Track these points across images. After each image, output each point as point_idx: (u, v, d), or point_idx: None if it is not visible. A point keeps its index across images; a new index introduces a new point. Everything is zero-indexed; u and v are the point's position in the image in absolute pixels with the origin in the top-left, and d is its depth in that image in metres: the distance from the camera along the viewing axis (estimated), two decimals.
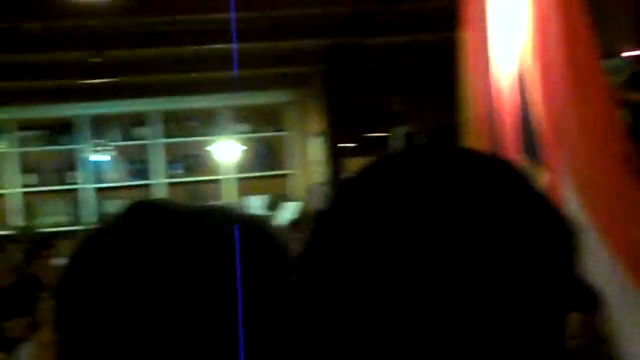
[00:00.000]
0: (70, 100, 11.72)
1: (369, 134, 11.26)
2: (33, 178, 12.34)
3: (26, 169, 12.39)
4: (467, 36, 6.55)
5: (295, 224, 9.06)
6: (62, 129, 12.47)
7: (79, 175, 12.40)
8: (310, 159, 12.20)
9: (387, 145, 10.62)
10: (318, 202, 10.82)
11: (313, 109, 11.84)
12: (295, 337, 0.91)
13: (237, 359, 0.94)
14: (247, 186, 12.51)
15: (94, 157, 12.10)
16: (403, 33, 10.13)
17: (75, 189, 12.37)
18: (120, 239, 1.01)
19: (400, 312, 0.83)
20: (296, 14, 9.39)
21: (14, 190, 12.19)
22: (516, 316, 0.84)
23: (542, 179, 5.59)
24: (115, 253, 0.99)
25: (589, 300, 5.08)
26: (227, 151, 12.06)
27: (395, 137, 10.83)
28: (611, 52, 6.42)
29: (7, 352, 5.66)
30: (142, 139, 12.61)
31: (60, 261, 6.67)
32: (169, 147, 12.74)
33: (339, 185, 0.95)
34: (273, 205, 11.96)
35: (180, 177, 12.60)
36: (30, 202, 12.39)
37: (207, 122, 12.79)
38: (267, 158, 12.90)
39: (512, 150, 5.89)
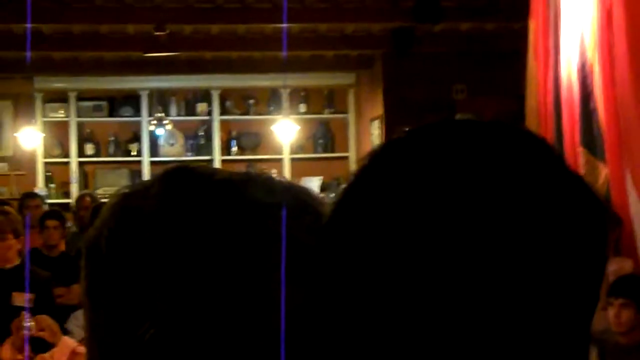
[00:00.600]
0: (132, 72, 11.80)
1: (428, 121, 11.19)
2: (91, 148, 12.46)
3: (85, 139, 12.51)
4: (532, 26, 6.49)
5: None
6: (122, 101, 12.57)
7: (138, 147, 12.50)
8: (368, 143, 12.17)
9: None
10: None
11: (374, 92, 11.80)
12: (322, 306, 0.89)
13: (277, 336, 0.92)
14: (303, 167, 12.50)
15: (152, 131, 12.17)
16: (469, 20, 10.06)
17: (134, 161, 12.47)
18: (155, 206, 0.98)
19: (429, 284, 0.81)
20: None
21: (73, 159, 12.31)
22: (545, 296, 0.82)
23: (602, 172, 5.53)
24: (149, 220, 0.97)
25: None
26: (285, 131, 12.06)
27: None
28: None
29: (60, 319, 5.73)
30: (202, 114, 12.67)
31: None
32: (227, 125, 12.78)
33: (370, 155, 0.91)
34: (327, 187, 11.95)
35: (237, 155, 12.64)
36: (88, 172, 12.54)
37: (267, 101, 12.82)
38: (325, 140, 12.89)
39: (571, 142, 5.83)
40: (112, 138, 12.58)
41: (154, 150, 12.49)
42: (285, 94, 12.40)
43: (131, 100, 12.54)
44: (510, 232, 0.81)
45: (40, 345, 4.98)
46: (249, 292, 0.94)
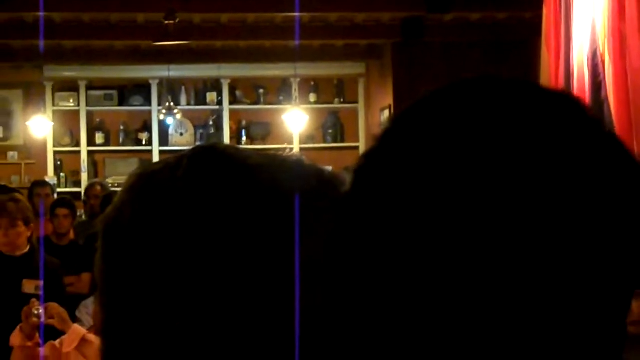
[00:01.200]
0: (142, 61, 11.79)
1: None
2: (101, 137, 12.47)
3: (95, 128, 12.52)
4: (545, 13, 6.46)
5: None
6: (132, 90, 12.57)
7: (148, 137, 12.50)
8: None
9: None
10: None
11: (384, 82, 11.78)
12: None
13: (292, 328, 0.91)
14: (313, 157, 12.38)
15: (162, 120, 12.18)
16: (478, 10, 10.03)
17: (144, 151, 12.47)
18: (182, 189, 0.96)
19: (457, 262, 0.75)
20: None
21: (83, 148, 12.32)
22: (582, 268, 0.76)
23: None
24: (173, 202, 0.95)
25: None
26: (295, 121, 12.05)
27: None
28: None
29: (70, 307, 5.74)
30: (212, 104, 12.66)
31: None
32: (237, 114, 12.77)
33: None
34: None
35: (247, 144, 12.63)
36: (98, 161, 12.55)
37: (277, 91, 12.80)
38: (335, 130, 12.88)
39: None
40: (122, 127, 12.58)
41: (164, 139, 12.49)
42: (295, 84, 12.38)
43: (141, 89, 12.54)
44: (544, 196, 0.75)
45: (50, 332, 5.00)
46: (271, 286, 0.93)
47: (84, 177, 12.05)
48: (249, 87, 12.78)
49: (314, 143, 12.68)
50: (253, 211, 0.94)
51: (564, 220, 0.75)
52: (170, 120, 12.13)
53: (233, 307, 0.92)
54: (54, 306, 5.07)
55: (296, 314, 0.90)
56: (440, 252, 0.76)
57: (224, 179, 0.96)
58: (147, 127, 12.54)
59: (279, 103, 12.66)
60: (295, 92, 12.32)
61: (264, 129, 12.82)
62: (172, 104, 11.54)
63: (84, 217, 9.45)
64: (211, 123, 12.70)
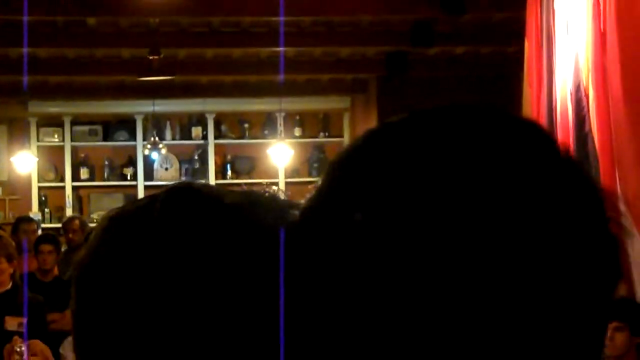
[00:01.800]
0: (126, 96, 11.80)
1: None
2: (86, 173, 12.45)
3: (80, 163, 12.50)
4: (525, 50, 6.49)
5: None
6: (117, 125, 12.57)
7: (133, 171, 12.49)
8: None
9: None
10: None
11: (369, 116, 11.81)
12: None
13: None
14: (298, 191, 12.48)
15: (147, 155, 12.16)
16: (463, 44, 10.08)
17: (129, 186, 12.45)
18: (156, 226, 0.93)
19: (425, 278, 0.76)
20: (356, 21, 9.38)
21: (68, 184, 12.29)
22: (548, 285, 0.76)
23: None
24: (148, 245, 0.93)
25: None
26: (280, 155, 12.06)
27: None
28: None
29: (52, 345, 5.70)
30: (197, 138, 12.66)
31: None
32: (222, 148, 12.78)
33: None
34: None
35: (232, 179, 12.63)
36: (83, 196, 12.52)
37: (262, 125, 12.82)
38: (320, 164, 12.88)
39: None
40: (107, 162, 12.57)
41: (149, 174, 12.48)
42: (280, 118, 12.39)
43: (126, 124, 12.54)
44: (503, 217, 0.76)
45: None
46: (253, 329, 0.91)
47: (69, 212, 12.01)
48: (234, 122, 12.80)
49: (299, 177, 12.69)
50: (231, 251, 0.92)
51: (511, 244, 0.76)
52: (155, 155, 12.12)
53: (217, 352, 0.91)
54: (37, 343, 5.04)
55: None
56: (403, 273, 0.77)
57: (200, 220, 0.94)
58: (132, 162, 12.53)
59: (264, 137, 12.68)
60: (280, 127, 12.33)
61: (250, 164, 12.82)
62: (157, 138, 11.55)
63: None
64: (196, 157, 12.70)
